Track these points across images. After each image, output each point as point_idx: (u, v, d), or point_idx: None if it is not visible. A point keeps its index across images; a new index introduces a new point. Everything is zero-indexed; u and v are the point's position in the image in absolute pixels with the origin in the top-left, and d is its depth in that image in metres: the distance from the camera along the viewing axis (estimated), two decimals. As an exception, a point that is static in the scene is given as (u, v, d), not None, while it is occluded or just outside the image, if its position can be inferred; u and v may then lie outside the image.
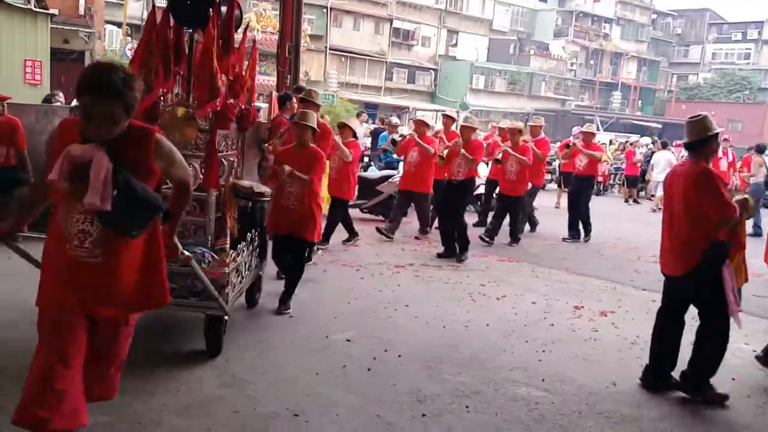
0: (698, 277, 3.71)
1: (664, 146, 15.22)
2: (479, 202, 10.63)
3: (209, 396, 3.38)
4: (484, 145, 8.58)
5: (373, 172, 10.60)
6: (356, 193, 8.07)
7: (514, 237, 8.60)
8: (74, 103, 8.70)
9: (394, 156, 10.22)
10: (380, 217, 9.44)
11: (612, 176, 18.95)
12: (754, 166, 12.16)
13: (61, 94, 9.73)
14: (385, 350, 4.22)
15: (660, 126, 38.17)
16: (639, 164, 16.37)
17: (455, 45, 40.21)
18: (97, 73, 2.28)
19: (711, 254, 3.66)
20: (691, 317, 3.98)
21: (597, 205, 15.07)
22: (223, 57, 4.07)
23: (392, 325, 4.80)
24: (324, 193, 6.99)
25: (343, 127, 7.45)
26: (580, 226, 9.35)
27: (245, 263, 4.29)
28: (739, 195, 3.99)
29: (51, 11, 12.41)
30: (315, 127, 5.00)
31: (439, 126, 11.11)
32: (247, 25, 3.60)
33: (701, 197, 3.64)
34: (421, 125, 8.11)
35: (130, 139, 2.37)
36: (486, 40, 41.57)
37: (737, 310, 3.77)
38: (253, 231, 4.52)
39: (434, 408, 3.43)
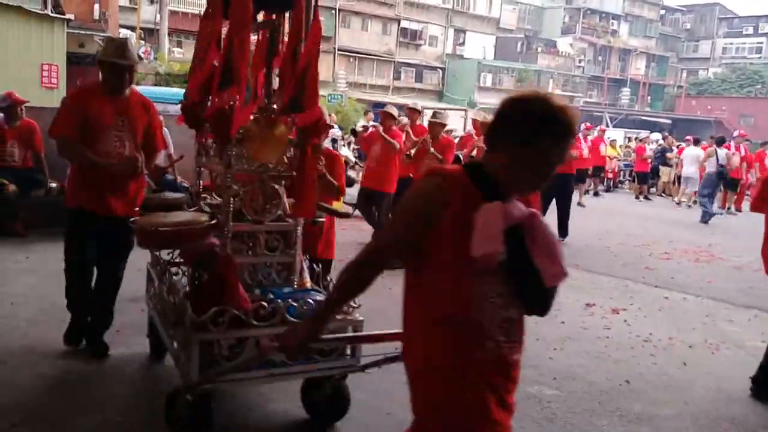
0: None
1: (696, 143, 15.11)
2: None
3: (221, 395, 3.40)
4: (455, 142, 8.25)
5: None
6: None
7: None
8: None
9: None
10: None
11: (622, 173, 18.88)
12: None
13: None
14: (396, 348, 4.23)
15: (670, 122, 37.95)
16: (649, 160, 16.30)
17: (462, 44, 40.14)
18: (570, 116, 1.64)
19: None
20: None
21: (607, 202, 15.07)
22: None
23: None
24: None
25: (387, 117, 7.21)
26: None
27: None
28: None
29: (67, 16, 12.58)
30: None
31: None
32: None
33: None
34: (387, 117, 7.31)
35: None
36: (493, 38, 41.48)
37: None
38: None
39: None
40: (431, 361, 1.71)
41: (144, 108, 3.88)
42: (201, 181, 3.54)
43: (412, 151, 7.20)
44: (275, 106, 3.15)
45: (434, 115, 7.45)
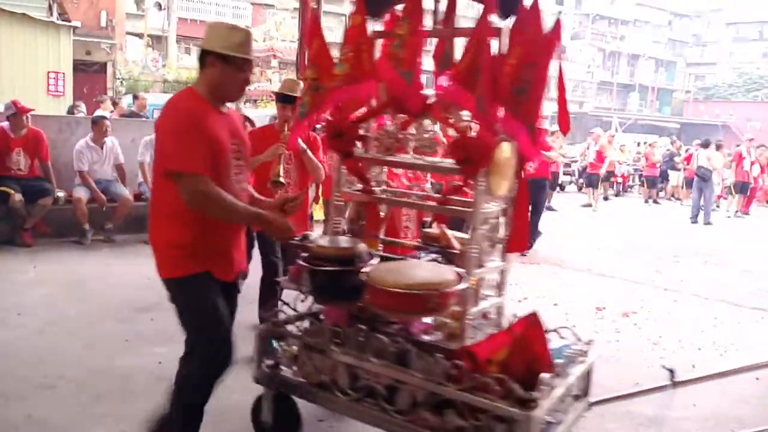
0: None
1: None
2: None
3: (233, 402, 3.39)
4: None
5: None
6: None
7: None
8: (97, 113, 8.87)
9: None
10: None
11: (631, 177, 18.82)
12: None
13: (83, 105, 9.91)
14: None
15: (678, 126, 37.75)
16: (658, 164, 16.24)
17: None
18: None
19: None
20: None
21: (617, 206, 15.01)
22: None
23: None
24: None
25: None
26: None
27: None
28: None
29: (73, 23, 12.69)
30: None
31: None
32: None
33: None
34: None
35: None
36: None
37: None
38: None
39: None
40: None
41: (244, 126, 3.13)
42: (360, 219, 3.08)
43: None
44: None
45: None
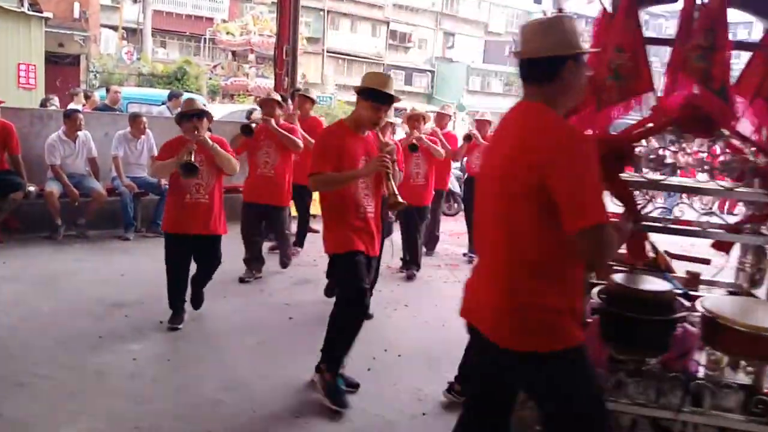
0: None
1: None
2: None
3: (209, 399, 3.35)
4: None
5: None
6: None
7: (415, 262, 6.32)
8: (70, 106, 8.69)
9: None
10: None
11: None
12: None
13: (56, 98, 9.70)
14: (385, 350, 4.21)
15: (655, 125, 38.25)
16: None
17: (451, 47, 40.29)
18: None
19: None
20: None
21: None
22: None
23: (392, 325, 4.79)
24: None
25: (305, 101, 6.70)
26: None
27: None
28: None
29: (45, 14, 12.39)
30: None
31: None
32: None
33: None
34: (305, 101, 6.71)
35: None
36: (482, 41, 41.65)
37: None
38: None
39: (435, 407, 3.42)
40: None
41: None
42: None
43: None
44: None
45: (443, 108, 7.15)
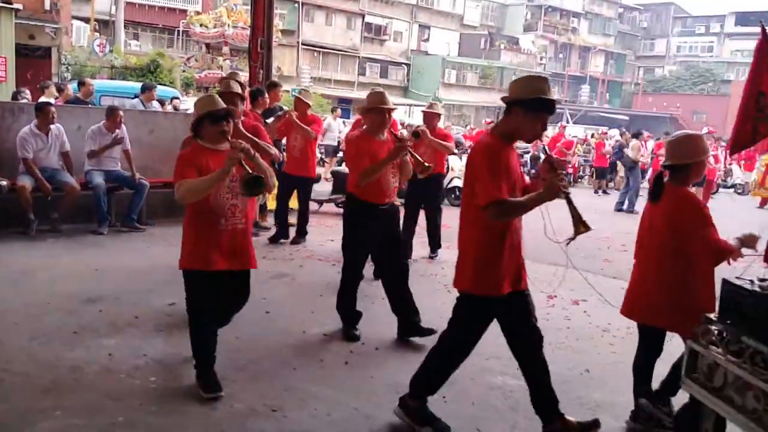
0: None
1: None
2: None
3: (186, 394, 3.36)
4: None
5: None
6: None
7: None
8: (41, 99, 8.54)
9: None
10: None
11: (581, 168, 19.26)
12: None
13: (27, 91, 9.52)
14: (363, 343, 4.25)
15: (627, 118, 38.82)
16: (608, 156, 16.66)
17: (427, 40, 40.32)
18: None
19: None
20: None
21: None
22: None
23: (369, 318, 4.82)
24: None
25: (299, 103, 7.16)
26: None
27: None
28: None
29: (15, 6, 12.13)
30: None
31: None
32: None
33: None
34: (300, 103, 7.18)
35: None
36: (457, 34, 41.78)
37: None
38: None
39: (412, 399, 3.47)
40: None
41: None
42: None
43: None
44: None
45: (430, 105, 6.93)
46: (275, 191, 6.96)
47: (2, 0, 11.72)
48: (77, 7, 23.62)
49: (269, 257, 6.17)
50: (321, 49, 35.01)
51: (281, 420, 3.16)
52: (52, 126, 6.77)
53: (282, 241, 7.11)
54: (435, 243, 7.03)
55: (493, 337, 4.58)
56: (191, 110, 5.71)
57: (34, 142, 6.65)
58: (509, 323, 3.15)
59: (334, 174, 10.39)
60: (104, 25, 26.19)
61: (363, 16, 36.68)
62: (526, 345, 3.14)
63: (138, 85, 11.07)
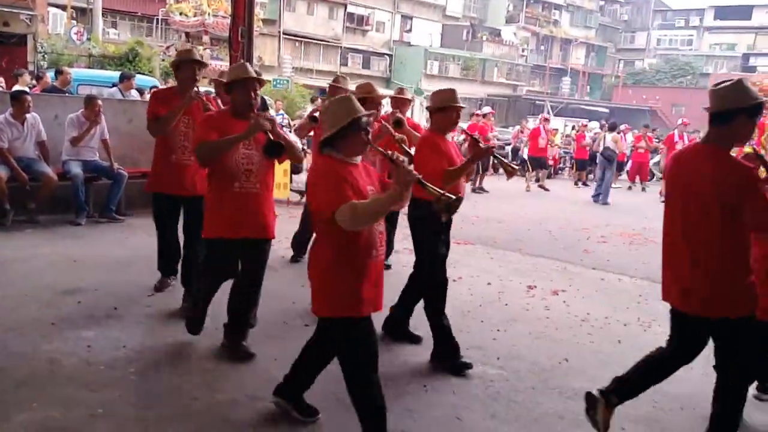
0: None
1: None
2: None
3: (166, 385, 3.34)
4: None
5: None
6: None
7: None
8: (16, 88, 8.38)
9: None
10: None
11: (562, 159, 19.41)
12: None
13: (1, 79, 9.34)
14: (344, 334, 4.25)
15: (607, 110, 39.10)
16: (588, 148, 16.79)
17: (409, 30, 40.23)
18: None
19: None
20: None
21: (548, 187, 15.47)
22: None
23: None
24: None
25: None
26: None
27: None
28: None
29: (-12, -8, 11.86)
30: None
31: None
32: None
33: None
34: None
35: None
36: (439, 25, 41.73)
37: None
38: None
39: (393, 388, 3.47)
40: None
41: None
42: None
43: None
44: None
45: (400, 91, 6.51)
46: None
47: (-25, -14, 11.47)
48: (54, -7, 23.15)
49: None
50: (303, 39, 34.75)
51: (263, 409, 3.16)
52: (27, 115, 6.66)
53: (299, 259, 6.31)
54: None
55: (475, 327, 4.63)
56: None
57: (9, 132, 6.53)
58: None
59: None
60: (82, 13, 25.69)
61: (345, 6, 36.46)
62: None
63: (116, 74, 10.90)
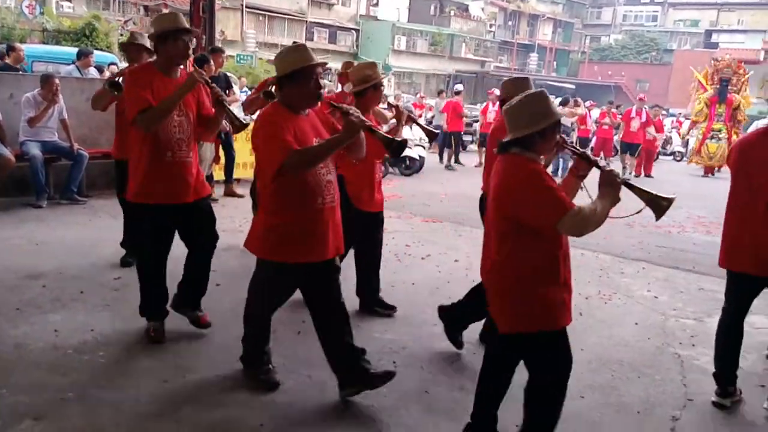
0: None
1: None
2: None
3: (137, 368, 3.35)
4: None
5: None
6: None
7: None
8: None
9: None
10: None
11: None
12: None
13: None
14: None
15: (573, 87, 39.48)
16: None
17: (376, 5, 39.78)
18: None
19: None
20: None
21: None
22: None
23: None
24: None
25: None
26: None
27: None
28: None
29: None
30: None
31: None
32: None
33: None
34: None
35: None
36: (407, 0, 41.34)
37: None
38: None
39: (363, 365, 3.55)
40: None
41: None
42: None
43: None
44: None
45: (346, 65, 6.13)
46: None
47: None
48: (4, -35, 22.22)
49: (219, 229, 6.10)
50: (266, 13, 34.08)
51: (234, 390, 3.18)
52: (-18, 94, 6.44)
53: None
54: None
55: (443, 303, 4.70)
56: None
57: (-37, 111, 6.32)
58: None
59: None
60: (34, -15, 24.73)
61: (310, -21, 35.86)
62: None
63: (74, 50, 10.56)
